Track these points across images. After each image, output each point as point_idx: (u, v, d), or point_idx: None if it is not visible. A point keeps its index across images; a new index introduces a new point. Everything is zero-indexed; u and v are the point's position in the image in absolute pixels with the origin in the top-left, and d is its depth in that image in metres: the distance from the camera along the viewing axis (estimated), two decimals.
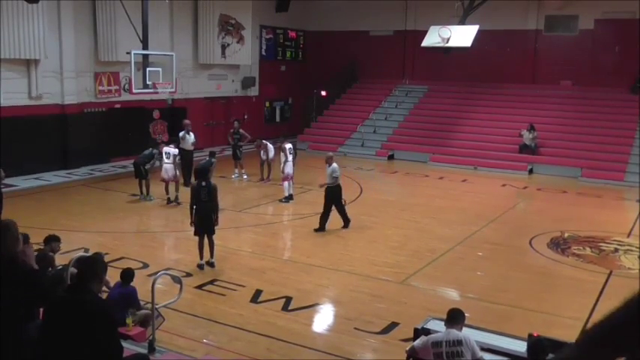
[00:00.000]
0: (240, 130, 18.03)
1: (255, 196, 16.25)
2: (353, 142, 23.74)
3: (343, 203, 12.66)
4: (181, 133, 16.36)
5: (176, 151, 14.85)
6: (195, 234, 10.05)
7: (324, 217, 12.36)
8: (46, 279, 5.98)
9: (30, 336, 3.88)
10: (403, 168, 21.05)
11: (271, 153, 17.24)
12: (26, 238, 6.91)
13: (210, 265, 10.04)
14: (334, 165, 12.54)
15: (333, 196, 12.39)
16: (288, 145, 15.68)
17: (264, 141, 17.41)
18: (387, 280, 9.70)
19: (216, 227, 10.09)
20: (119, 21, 18.02)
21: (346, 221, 12.58)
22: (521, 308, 8.75)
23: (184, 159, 15.54)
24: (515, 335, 6.08)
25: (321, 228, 12.32)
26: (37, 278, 4.29)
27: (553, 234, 12.56)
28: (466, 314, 5.51)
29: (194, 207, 9.99)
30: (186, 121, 16.96)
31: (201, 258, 10.02)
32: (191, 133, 16.35)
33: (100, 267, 4.08)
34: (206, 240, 10.02)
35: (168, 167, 14.48)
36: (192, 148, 16.36)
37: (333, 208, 12.48)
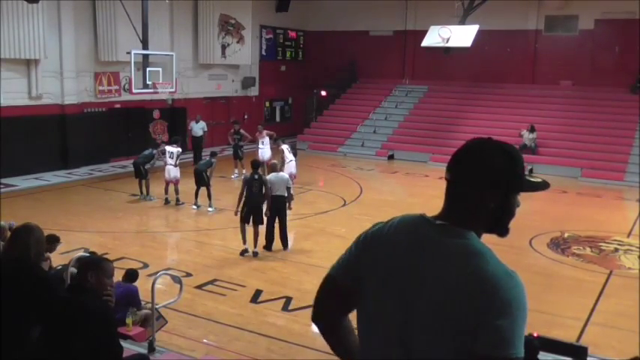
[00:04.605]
0: (241, 131, 18.05)
1: None
2: (353, 142, 23.73)
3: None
4: (190, 124, 19.89)
5: (179, 149, 14.74)
6: (242, 221, 10.63)
7: (271, 232, 11.05)
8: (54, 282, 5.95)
9: (31, 336, 3.87)
10: (403, 168, 21.05)
11: (267, 155, 17.20)
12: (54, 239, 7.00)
13: (254, 254, 10.59)
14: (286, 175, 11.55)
15: (282, 207, 10.97)
16: (286, 146, 15.70)
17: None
18: None
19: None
20: (119, 21, 18.02)
21: (285, 241, 11.16)
22: None
23: (193, 145, 19.58)
24: None
25: (269, 247, 11.08)
26: (50, 285, 4.23)
27: (553, 234, 12.56)
28: None
29: (244, 197, 10.56)
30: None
31: (244, 243, 10.62)
32: (200, 122, 19.66)
33: (102, 268, 4.07)
34: (252, 230, 10.61)
35: (170, 168, 14.18)
36: (200, 134, 19.52)
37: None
